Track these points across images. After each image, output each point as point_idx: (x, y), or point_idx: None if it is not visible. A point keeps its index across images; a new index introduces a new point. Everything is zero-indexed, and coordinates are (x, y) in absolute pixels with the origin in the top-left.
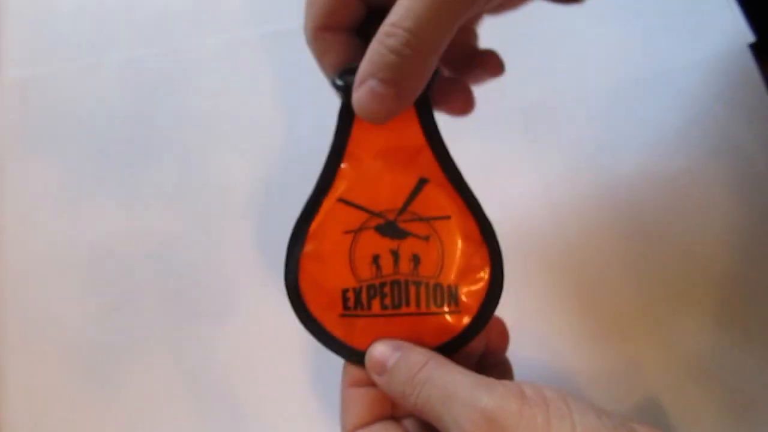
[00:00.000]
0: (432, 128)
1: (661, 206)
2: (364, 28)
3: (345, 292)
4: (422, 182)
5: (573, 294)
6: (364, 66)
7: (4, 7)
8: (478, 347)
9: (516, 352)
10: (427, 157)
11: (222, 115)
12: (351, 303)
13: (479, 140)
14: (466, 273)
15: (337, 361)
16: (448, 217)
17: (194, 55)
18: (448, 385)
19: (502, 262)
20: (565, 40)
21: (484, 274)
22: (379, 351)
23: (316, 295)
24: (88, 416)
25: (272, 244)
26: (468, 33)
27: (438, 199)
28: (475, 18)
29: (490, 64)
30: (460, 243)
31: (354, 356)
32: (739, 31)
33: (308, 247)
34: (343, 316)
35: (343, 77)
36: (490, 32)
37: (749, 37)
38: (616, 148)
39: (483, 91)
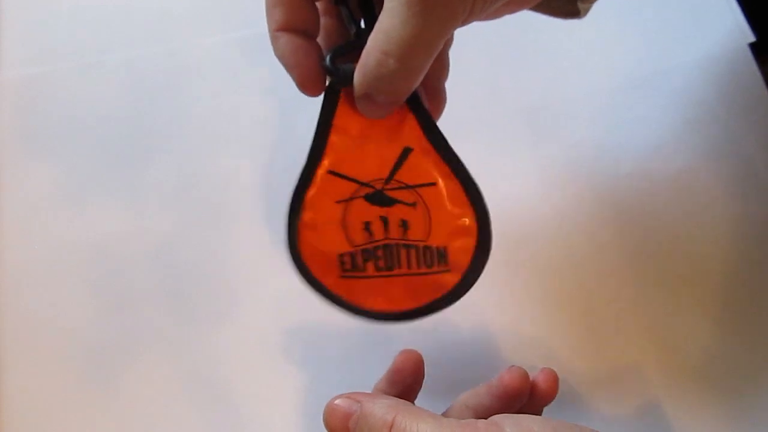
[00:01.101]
0: (414, 98)
1: (661, 206)
2: None
3: (341, 256)
4: (407, 151)
5: (573, 294)
6: (361, 84)
7: (4, 7)
8: (524, 392)
9: (514, 356)
10: (412, 125)
11: (222, 115)
12: (348, 266)
13: (480, 141)
14: (454, 234)
15: (337, 362)
16: (433, 184)
17: (194, 55)
18: None
19: (489, 222)
20: (565, 40)
21: (472, 234)
22: (330, 412)
23: (316, 260)
24: (88, 416)
25: (272, 244)
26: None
27: (423, 166)
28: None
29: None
30: (446, 207)
31: (357, 312)
32: (739, 31)
33: (305, 217)
34: (342, 277)
35: (332, 60)
36: (490, 32)
37: (749, 37)
38: (616, 148)
39: (483, 92)
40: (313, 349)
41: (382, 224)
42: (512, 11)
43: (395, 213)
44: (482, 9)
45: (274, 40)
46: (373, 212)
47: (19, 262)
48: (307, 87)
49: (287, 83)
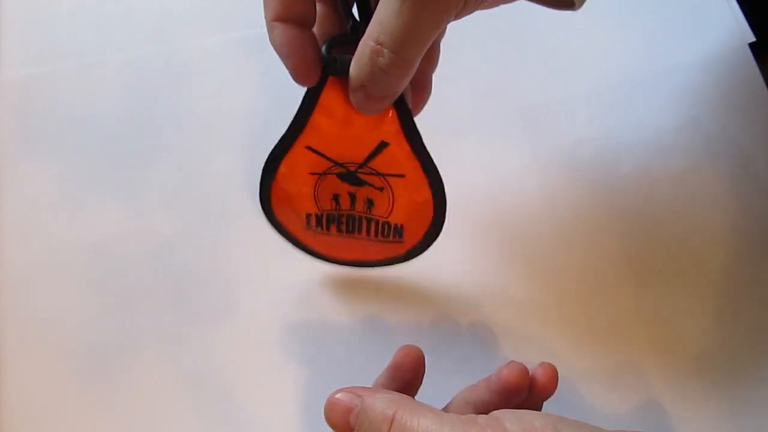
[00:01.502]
0: (399, 98)
1: (661, 206)
2: None
3: (308, 216)
4: (383, 145)
5: (573, 292)
6: (356, 76)
7: (4, 7)
8: (523, 387)
9: (513, 353)
10: (392, 120)
11: (222, 115)
12: (313, 224)
13: (479, 140)
14: (412, 219)
15: (337, 363)
16: (402, 176)
17: (194, 55)
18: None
19: (444, 215)
20: (565, 39)
21: (427, 221)
22: (332, 405)
23: (284, 211)
24: (88, 416)
25: (272, 244)
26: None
27: (395, 159)
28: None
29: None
30: (410, 196)
31: (315, 255)
32: (739, 31)
33: (279, 175)
34: (306, 229)
35: (329, 50)
36: (490, 33)
37: (749, 37)
38: (615, 148)
39: (483, 92)
40: (313, 348)
41: (350, 199)
42: (507, 1)
43: (363, 192)
44: (476, 3)
45: (270, 30)
46: (344, 188)
47: (19, 262)
48: (301, 77)
49: (287, 83)
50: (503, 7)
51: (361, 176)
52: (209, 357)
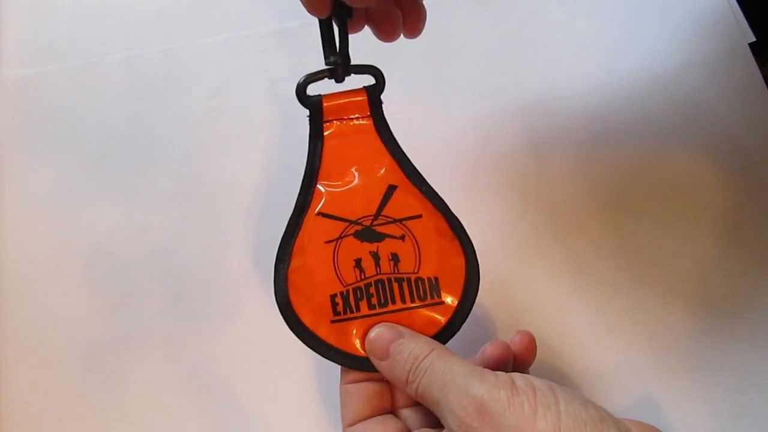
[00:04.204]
0: (392, 142)
1: (661, 206)
2: None
3: (333, 297)
4: (392, 188)
5: (572, 293)
6: None
7: (4, 7)
8: (506, 360)
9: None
10: (392, 167)
11: (222, 115)
12: (340, 308)
13: (479, 140)
14: (443, 265)
15: None
16: (419, 216)
17: (194, 54)
18: (446, 373)
19: (476, 253)
20: (565, 39)
21: (461, 265)
22: (379, 334)
23: (306, 306)
24: (88, 416)
25: (272, 244)
26: None
27: (407, 202)
28: None
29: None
30: (433, 238)
31: (350, 361)
32: (739, 31)
33: (294, 263)
34: (333, 322)
35: (309, 99)
36: (490, 33)
37: (749, 37)
38: (616, 148)
39: (483, 92)
40: None
41: (373, 260)
42: None
43: (385, 247)
44: None
45: None
46: (364, 248)
47: (19, 262)
48: (315, 7)
49: (287, 82)
50: (504, 7)
51: (379, 229)
52: (209, 357)
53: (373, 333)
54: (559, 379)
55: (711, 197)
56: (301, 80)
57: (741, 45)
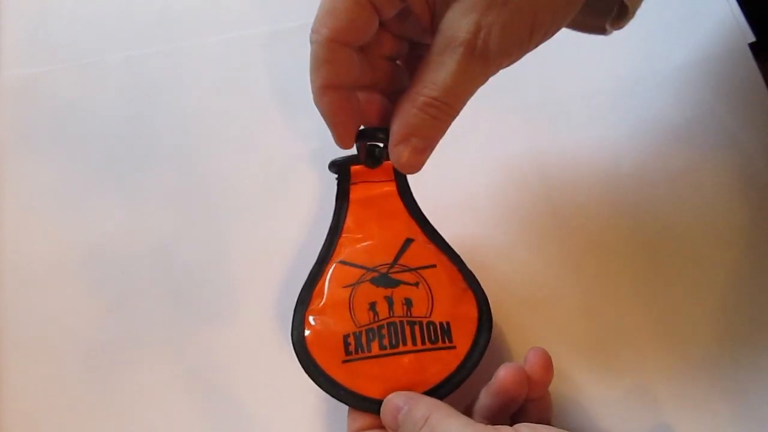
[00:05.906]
0: (412, 204)
1: (661, 206)
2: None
3: (346, 337)
4: (408, 241)
5: (572, 293)
6: (402, 128)
7: (4, 7)
8: (521, 383)
9: (513, 356)
10: (410, 225)
11: (222, 115)
12: (352, 348)
13: (479, 140)
14: (456, 312)
15: None
16: (433, 266)
17: (194, 54)
18: None
19: (488, 304)
20: (565, 39)
21: (473, 313)
22: (393, 404)
23: (320, 345)
24: (88, 416)
25: (272, 244)
26: None
27: (423, 253)
28: None
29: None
30: (446, 285)
31: (358, 402)
32: (739, 31)
33: (312, 305)
34: (345, 362)
35: (336, 166)
36: None
37: (749, 37)
38: (616, 148)
39: (482, 92)
40: None
41: (387, 304)
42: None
43: (399, 293)
44: (520, 57)
45: (319, 95)
46: (379, 293)
47: (19, 262)
48: (344, 142)
49: (288, 82)
50: None
51: (394, 276)
52: (209, 356)
53: (384, 405)
54: (563, 380)
55: (711, 198)
56: (334, 161)
57: (741, 45)
